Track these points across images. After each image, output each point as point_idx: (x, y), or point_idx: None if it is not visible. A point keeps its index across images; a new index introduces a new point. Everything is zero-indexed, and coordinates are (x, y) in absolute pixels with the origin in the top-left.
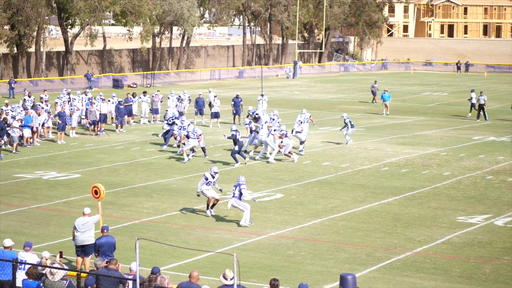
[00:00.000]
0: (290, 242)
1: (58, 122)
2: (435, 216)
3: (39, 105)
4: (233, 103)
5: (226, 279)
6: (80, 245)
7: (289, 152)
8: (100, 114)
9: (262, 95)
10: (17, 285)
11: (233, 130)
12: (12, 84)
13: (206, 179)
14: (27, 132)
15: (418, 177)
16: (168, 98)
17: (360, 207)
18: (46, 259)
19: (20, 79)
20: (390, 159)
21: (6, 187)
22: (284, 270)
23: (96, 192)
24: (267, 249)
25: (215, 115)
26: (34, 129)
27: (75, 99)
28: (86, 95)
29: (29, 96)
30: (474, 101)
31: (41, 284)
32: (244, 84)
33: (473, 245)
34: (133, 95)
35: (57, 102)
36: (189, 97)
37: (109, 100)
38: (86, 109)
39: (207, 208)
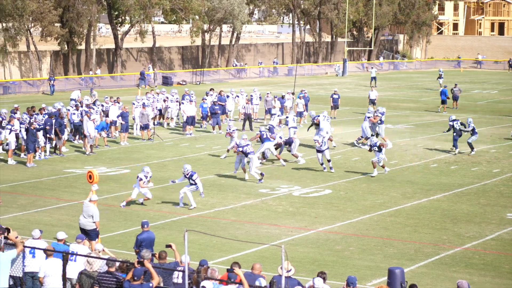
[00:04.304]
0: (338, 237)
1: (121, 123)
2: (484, 212)
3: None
4: (331, 99)
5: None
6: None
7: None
8: (187, 117)
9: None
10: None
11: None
12: (52, 82)
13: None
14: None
15: (467, 173)
16: (237, 96)
17: (408, 203)
18: (99, 252)
19: (70, 76)
20: (439, 156)
21: (56, 182)
22: (332, 264)
23: (90, 177)
24: (316, 244)
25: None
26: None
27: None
28: (158, 95)
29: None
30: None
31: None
32: (293, 82)
33: None
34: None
35: (133, 104)
36: (259, 94)
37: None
38: (140, 111)
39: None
